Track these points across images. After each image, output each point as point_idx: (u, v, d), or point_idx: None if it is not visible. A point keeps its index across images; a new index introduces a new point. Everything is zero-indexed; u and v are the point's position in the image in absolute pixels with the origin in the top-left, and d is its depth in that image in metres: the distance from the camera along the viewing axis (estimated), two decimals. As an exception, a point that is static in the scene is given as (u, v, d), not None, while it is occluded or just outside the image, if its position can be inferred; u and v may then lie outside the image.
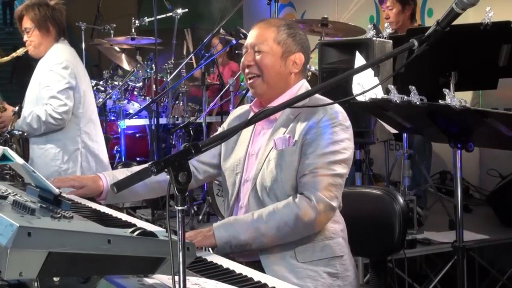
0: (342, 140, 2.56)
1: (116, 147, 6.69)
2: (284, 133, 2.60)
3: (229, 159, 2.77)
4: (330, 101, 2.59)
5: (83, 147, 4.39)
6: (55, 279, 1.82)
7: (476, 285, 5.14)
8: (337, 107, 2.61)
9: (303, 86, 2.72)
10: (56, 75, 4.23)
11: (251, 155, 2.70)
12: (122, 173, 2.84)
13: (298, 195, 2.51)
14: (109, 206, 3.25)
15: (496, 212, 5.03)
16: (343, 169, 2.55)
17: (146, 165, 2.79)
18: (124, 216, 2.64)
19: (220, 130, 2.96)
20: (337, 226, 2.64)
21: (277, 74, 2.64)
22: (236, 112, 2.92)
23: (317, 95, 2.65)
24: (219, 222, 2.57)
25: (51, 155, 4.32)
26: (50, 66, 4.27)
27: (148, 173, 1.55)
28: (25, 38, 4.42)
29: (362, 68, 2.12)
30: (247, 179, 2.67)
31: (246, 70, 2.68)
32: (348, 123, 2.61)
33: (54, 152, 4.32)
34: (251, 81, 2.67)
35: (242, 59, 2.70)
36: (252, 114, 2.76)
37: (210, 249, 2.48)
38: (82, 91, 4.36)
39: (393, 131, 3.80)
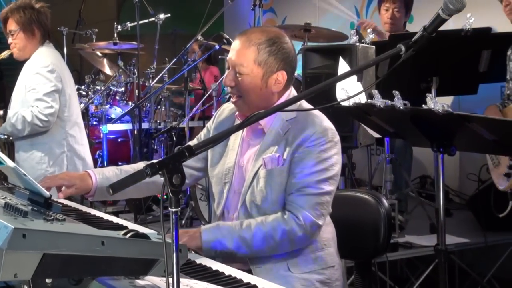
0: (331, 157, 2.55)
1: (98, 151, 6.66)
2: (273, 152, 2.58)
3: (217, 166, 2.74)
4: (319, 112, 2.61)
5: (69, 150, 4.40)
6: (47, 280, 1.83)
7: (456, 288, 5.20)
8: (327, 123, 2.60)
9: (291, 94, 2.68)
10: (42, 78, 4.24)
11: (240, 166, 2.68)
12: (111, 171, 2.80)
13: (286, 212, 2.52)
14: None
15: (476, 216, 5.08)
16: (330, 186, 2.56)
17: (139, 164, 2.85)
18: (115, 219, 2.66)
19: (204, 131, 2.90)
20: (329, 236, 2.66)
21: (257, 96, 2.59)
22: (221, 114, 2.86)
23: (304, 103, 2.66)
24: (207, 225, 2.57)
25: (37, 158, 4.32)
26: (36, 69, 4.28)
27: (143, 175, 1.58)
28: (10, 40, 4.42)
29: (348, 74, 2.15)
30: (236, 191, 2.67)
31: (229, 89, 2.64)
32: (337, 138, 2.60)
33: (40, 155, 4.32)
34: (233, 100, 2.64)
35: (225, 76, 2.64)
36: (237, 122, 2.73)
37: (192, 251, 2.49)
38: (68, 95, 4.37)
39: (376, 135, 3.84)
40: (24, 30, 4.34)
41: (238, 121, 2.73)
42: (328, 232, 2.66)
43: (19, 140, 4.31)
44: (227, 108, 2.86)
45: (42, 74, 4.25)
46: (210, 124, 2.88)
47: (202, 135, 2.90)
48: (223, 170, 2.70)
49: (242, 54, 2.57)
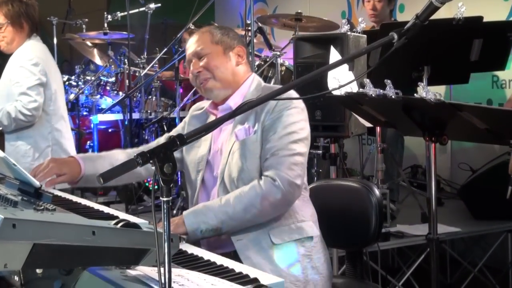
0: (298, 121, 2.66)
1: (88, 142, 6.64)
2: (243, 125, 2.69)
3: (190, 154, 2.85)
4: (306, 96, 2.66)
5: (54, 144, 4.37)
6: (38, 271, 1.83)
7: (447, 277, 5.22)
8: (291, 92, 2.70)
9: (255, 79, 2.83)
10: (26, 72, 4.21)
11: (215, 152, 2.77)
12: (95, 157, 2.90)
13: (262, 177, 2.59)
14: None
15: (467, 205, 5.09)
16: (302, 148, 2.65)
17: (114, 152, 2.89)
18: (105, 209, 2.65)
19: (182, 124, 3.02)
20: (308, 210, 2.73)
21: (226, 69, 2.75)
22: (193, 111, 3.00)
23: (291, 91, 2.71)
24: (188, 210, 2.63)
25: (22, 151, 4.29)
26: (20, 62, 4.24)
27: (133, 164, 1.56)
28: None
29: (340, 63, 2.14)
30: (216, 176, 2.74)
31: (197, 80, 2.75)
32: (302, 105, 2.72)
33: (25, 149, 4.30)
34: (203, 83, 2.75)
35: (190, 72, 2.78)
36: (210, 117, 2.86)
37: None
38: (53, 89, 4.33)
39: (368, 124, 3.84)
40: (13, 23, 4.31)
41: (210, 116, 2.87)
42: (306, 207, 2.74)
43: (6, 133, 4.29)
44: (197, 108, 3.00)
45: (26, 68, 4.22)
46: (187, 119, 3.01)
47: (180, 128, 3.03)
48: (195, 159, 2.82)
49: (199, 41, 2.77)
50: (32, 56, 4.27)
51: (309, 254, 2.65)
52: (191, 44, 2.78)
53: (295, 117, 2.65)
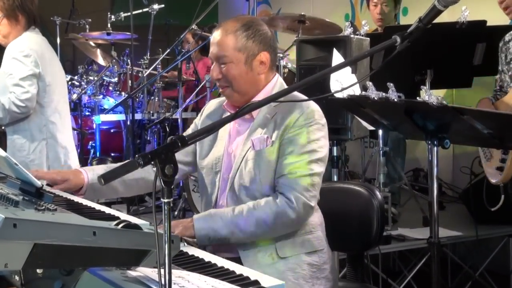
0: (319, 139, 2.61)
1: (91, 142, 6.65)
2: (261, 133, 2.63)
3: (207, 157, 2.78)
4: (305, 97, 2.63)
5: (49, 137, 4.32)
6: (38, 271, 1.82)
7: (448, 281, 5.21)
8: (314, 106, 2.65)
9: (278, 82, 2.75)
10: (18, 63, 4.18)
11: (229, 153, 2.72)
12: (101, 168, 2.85)
13: (278, 195, 2.55)
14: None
15: (468, 209, 5.08)
16: (320, 168, 2.60)
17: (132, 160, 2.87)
18: (107, 209, 2.64)
19: (192, 126, 2.97)
20: (316, 220, 2.70)
21: (245, 81, 2.65)
22: (209, 108, 2.93)
23: (294, 92, 2.68)
24: (199, 214, 2.61)
25: (18, 145, 4.27)
26: (12, 54, 4.22)
27: (135, 165, 1.56)
28: None
29: (343, 66, 2.14)
30: (225, 177, 2.70)
31: (217, 83, 2.71)
32: (323, 121, 2.66)
33: (21, 142, 4.27)
34: (222, 90, 2.70)
35: (211, 72, 2.71)
36: (226, 113, 2.79)
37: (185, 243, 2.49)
38: (47, 81, 4.28)
39: (370, 127, 3.84)
40: (8, 16, 4.28)
41: (226, 112, 2.78)
42: (316, 216, 2.70)
43: (5, 127, 4.29)
44: (214, 102, 2.94)
45: (18, 59, 4.19)
46: (198, 120, 2.94)
47: (190, 131, 2.95)
48: (213, 159, 2.75)
49: (222, 44, 2.64)
50: (23, 48, 4.24)
51: (316, 264, 2.64)
52: (214, 43, 2.66)
53: (316, 134, 2.60)
